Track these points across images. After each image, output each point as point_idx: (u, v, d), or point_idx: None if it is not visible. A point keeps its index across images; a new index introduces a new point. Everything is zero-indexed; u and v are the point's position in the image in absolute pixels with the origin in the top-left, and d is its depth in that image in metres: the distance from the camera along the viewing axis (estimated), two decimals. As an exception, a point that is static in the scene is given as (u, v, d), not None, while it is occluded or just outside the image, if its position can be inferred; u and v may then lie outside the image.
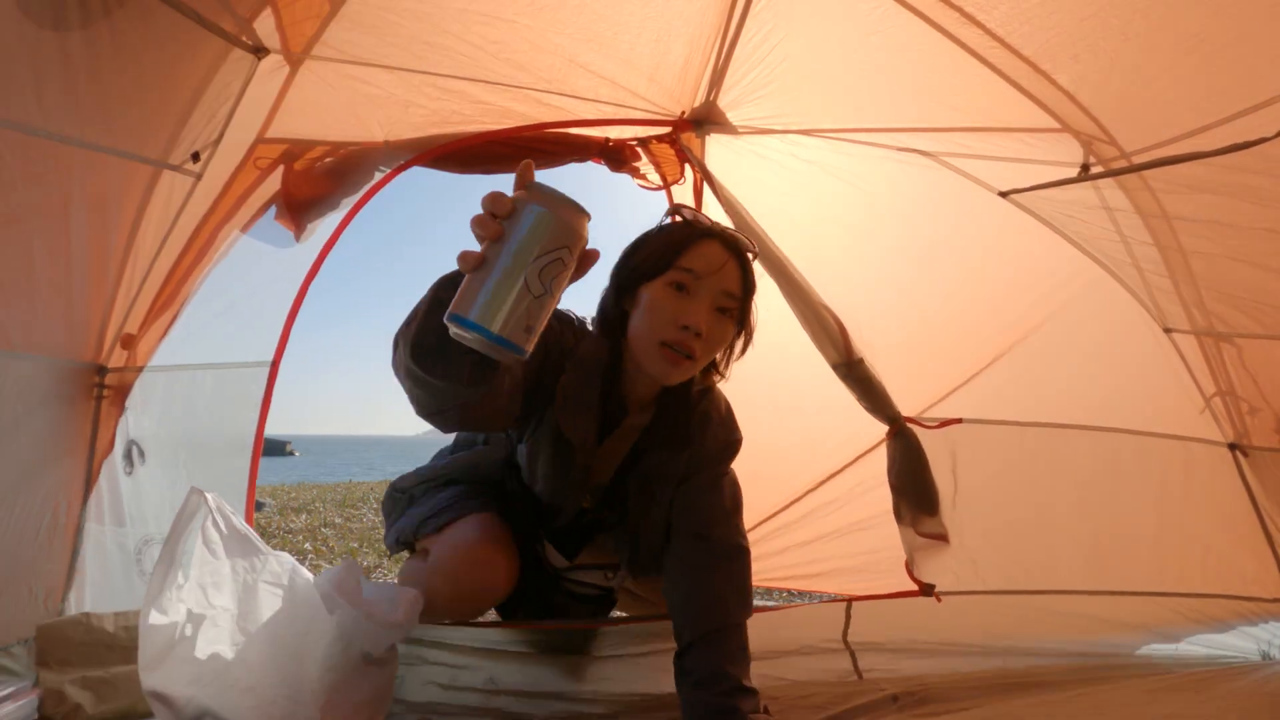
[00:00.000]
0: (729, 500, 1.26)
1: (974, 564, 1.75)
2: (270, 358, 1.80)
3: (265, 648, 1.09)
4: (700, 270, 1.08)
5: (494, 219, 0.68)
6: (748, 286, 1.14)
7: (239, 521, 1.27)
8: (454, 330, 0.68)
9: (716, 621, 1.15)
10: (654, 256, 1.11)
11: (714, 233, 1.13)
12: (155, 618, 1.11)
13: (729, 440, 1.28)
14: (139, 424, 1.67)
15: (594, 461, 1.21)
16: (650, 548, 1.24)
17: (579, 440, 1.16)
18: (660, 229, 1.17)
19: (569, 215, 0.68)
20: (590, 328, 1.22)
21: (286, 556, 1.25)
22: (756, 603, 1.25)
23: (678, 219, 1.19)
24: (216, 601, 1.17)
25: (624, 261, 1.17)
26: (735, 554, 1.22)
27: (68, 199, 1.35)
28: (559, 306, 1.05)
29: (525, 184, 0.70)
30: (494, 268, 0.66)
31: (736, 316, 1.13)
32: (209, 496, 1.27)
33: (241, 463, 1.79)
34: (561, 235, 0.68)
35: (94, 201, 1.40)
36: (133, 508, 1.65)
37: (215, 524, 1.24)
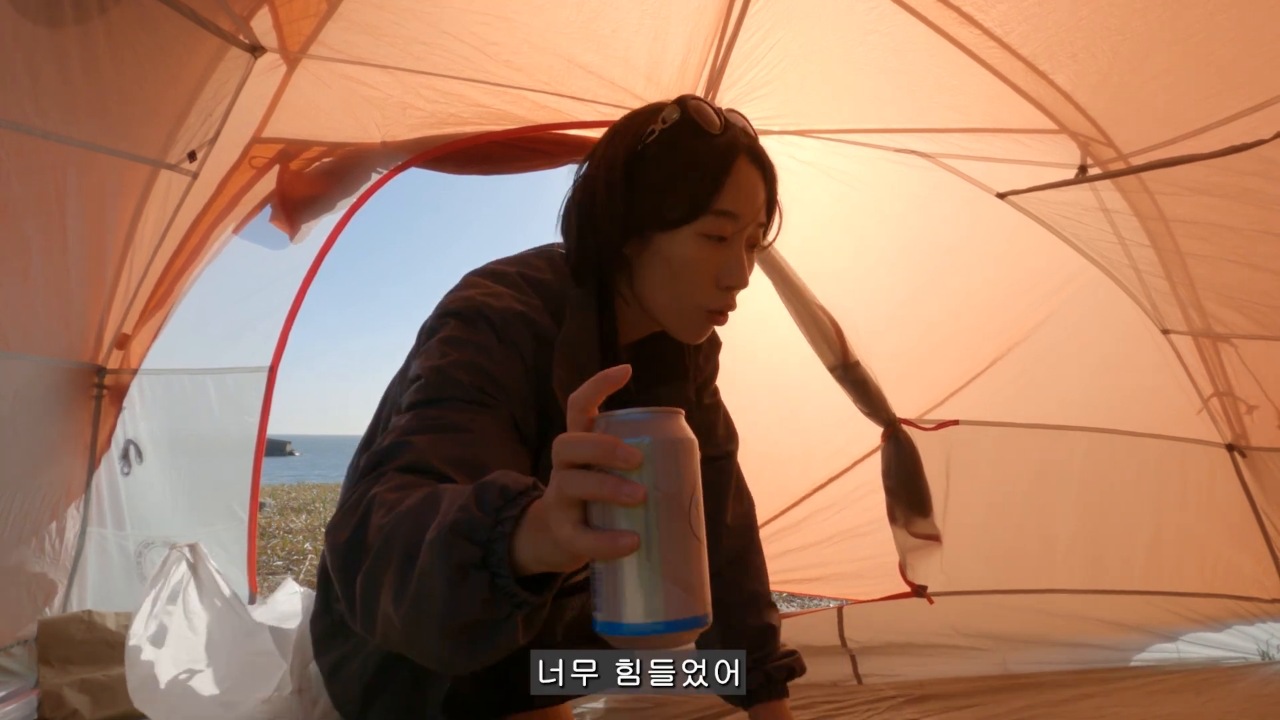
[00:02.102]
0: (725, 423, 1.15)
1: (971, 564, 1.75)
2: (269, 362, 1.81)
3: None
4: (742, 212, 0.80)
5: (632, 486, 0.44)
6: (772, 202, 0.87)
7: (223, 583, 1.26)
8: (610, 637, 0.47)
9: (745, 537, 1.12)
10: (677, 196, 0.80)
11: (743, 146, 0.83)
12: (136, 669, 1.12)
13: (715, 341, 1.10)
14: (136, 425, 1.67)
15: None
16: None
17: None
18: (667, 144, 0.83)
19: (677, 430, 0.49)
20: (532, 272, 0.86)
21: (264, 626, 1.22)
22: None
23: (685, 119, 0.84)
24: (202, 690, 1.16)
25: (617, 197, 0.82)
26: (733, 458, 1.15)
27: (64, 199, 1.34)
28: (499, 268, 0.85)
29: (608, 420, 0.47)
30: (656, 539, 0.46)
31: (763, 235, 0.88)
32: (187, 551, 1.25)
33: (244, 464, 1.80)
34: (690, 456, 0.49)
35: (90, 201, 1.39)
36: (132, 510, 1.65)
37: (197, 586, 1.23)
